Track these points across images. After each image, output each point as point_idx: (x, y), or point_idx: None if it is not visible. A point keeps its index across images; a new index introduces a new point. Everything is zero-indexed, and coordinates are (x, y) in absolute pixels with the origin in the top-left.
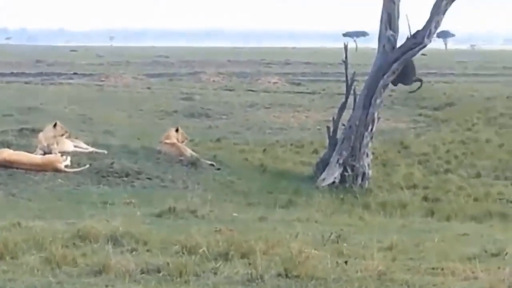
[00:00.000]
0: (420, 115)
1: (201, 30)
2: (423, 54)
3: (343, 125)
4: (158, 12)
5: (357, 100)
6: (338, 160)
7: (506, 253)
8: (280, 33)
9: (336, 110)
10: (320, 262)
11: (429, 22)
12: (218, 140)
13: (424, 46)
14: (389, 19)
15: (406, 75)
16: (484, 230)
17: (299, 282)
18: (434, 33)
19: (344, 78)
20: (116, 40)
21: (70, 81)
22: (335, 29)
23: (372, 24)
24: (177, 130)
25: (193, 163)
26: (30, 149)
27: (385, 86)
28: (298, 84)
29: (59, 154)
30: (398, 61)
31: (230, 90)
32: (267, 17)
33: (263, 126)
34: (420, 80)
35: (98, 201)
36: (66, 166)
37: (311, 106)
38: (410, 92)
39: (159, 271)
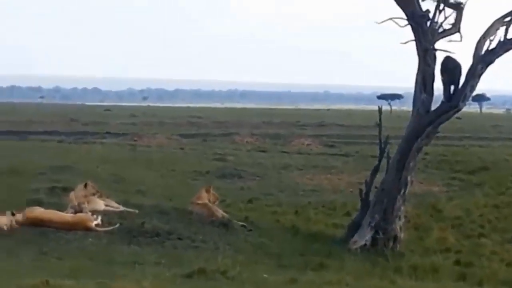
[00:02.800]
0: (453, 178)
1: (235, 90)
2: (457, 118)
3: (376, 187)
4: (192, 72)
5: (390, 163)
6: (370, 223)
7: None
8: (316, 95)
9: (369, 173)
10: None
11: (464, 85)
12: (250, 201)
13: (459, 110)
14: (424, 82)
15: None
16: None
17: None
18: (469, 96)
19: (377, 141)
20: (149, 100)
21: (103, 140)
22: (370, 91)
23: (408, 86)
24: (208, 191)
25: (224, 224)
26: (61, 207)
27: (418, 150)
28: (332, 146)
29: (90, 213)
30: (432, 125)
31: (263, 151)
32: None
33: (295, 188)
34: None
35: (129, 260)
36: (97, 225)
37: (344, 168)
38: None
39: None
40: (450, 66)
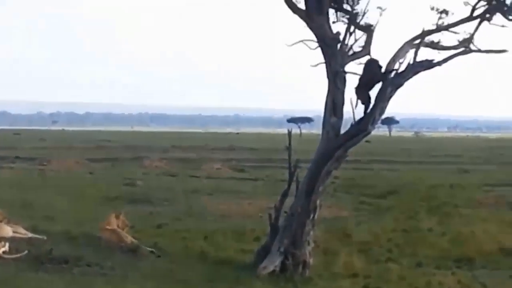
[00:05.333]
0: (362, 202)
1: (145, 114)
2: (367, 141)
3: (285, 212)
4: (102, 96)
5: (299, 187)
6: (279, 248)
7: None
8: (226, 118)
9: (278, 197)
10: None
11: (373, 109)
12: (159, 226)
13: (368, 133)
14: (334, 105)
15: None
16: None
17: None
18: (378, 120)
19: (287, 165)
20: (59, 123)
21: (12, 165)
22: (280, 115)
23: (318, 109)
24: (117, 217)
25: (133, 250)
26: None
27: (328, 173)
28: (241, 170)
29: None
30: (342, 148)
31: (173, 175)
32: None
33: (205, 213)
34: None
35: None
36: (4, 253)
37: (253, 192)
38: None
39: None
40: (372, 68)
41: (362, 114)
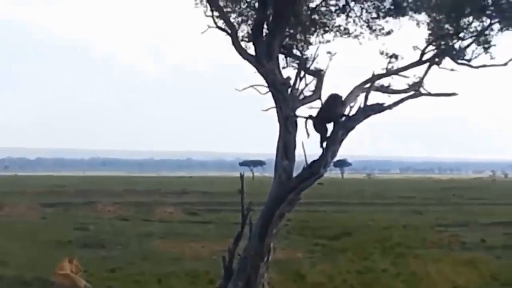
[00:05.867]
0: (316, 244)
1: (97, 158)
2: (319, 184)
3: (239, 255)
4: (53, 141)
5: (252, 230)
6: None
7: None
8: (178, 162)
9: (232, 240)
10: None
11: (325, 152)
12: (113, 270)
13: (321, 176)
14: (286, 148)
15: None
16: None
17: None
18: (330, 163)
19: (240, 208)
20: (11, 169)
21: None
22: (232, 158)
23: (270, 152)
24: (71, 261)
25: None
26: None
27: (281, 216)
28: (194, 214)
29: None
30: (294, 191)
31: (126, 219)
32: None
33: (158, 256)
34: None
35: None
36: None
37: (207, 235)
38: None
39: None
40: (334, 103)
41: (315, 157)
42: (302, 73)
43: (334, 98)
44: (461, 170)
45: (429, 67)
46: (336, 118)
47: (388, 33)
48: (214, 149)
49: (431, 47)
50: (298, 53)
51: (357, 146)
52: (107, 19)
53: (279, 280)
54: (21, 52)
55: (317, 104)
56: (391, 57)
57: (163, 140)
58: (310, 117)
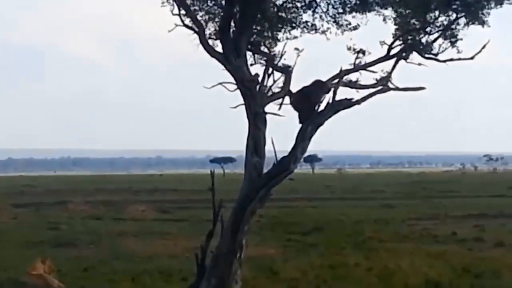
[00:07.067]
0: (288, 240)
1: (67, 158)
2: (290, 179)
3: (212, 252)
4: (23, 141)
5: (224, 227)
6: None
7: None
8: (149, 160)
9: (204, 237)
10: None
11: (294, 148)
12: (86, 269)
13: (291, 172)
14: (255, 145)
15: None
16: None
17: None
18: (300, 159)
19: (211, 205)
20: None
21: None
22: (203, 155)
23: (240, 149)
24: (43, 261)
25: None
26: None
27: (252, 213)
28: (166, 212)
29: None
30: (265, 188)
31: (98, 218)
32: (134, 142)
33: (131, 255)
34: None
35: None
36: None
37: (179, 233)
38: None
39: None
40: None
41: (284, 154)
42: (270, 69)
43: (319, 84)
44: (431, 164)
45: (396, 62)
46: (316, 103)
47: (355, 28)
48: (185, 146)
49: (398, 42)
50: (266, 50)
51: (327, 141)
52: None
53: (252, 276)
54: None
55: (286, 100)
56: (358, 52)
57: (133, 139)
58: (289, 91)
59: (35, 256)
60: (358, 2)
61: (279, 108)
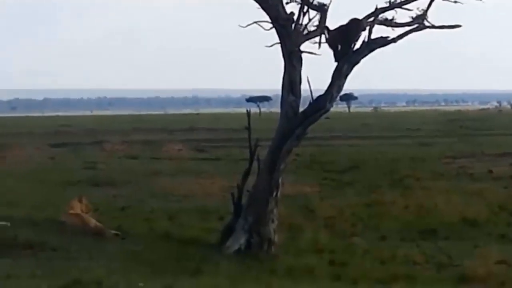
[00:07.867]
0: (325, 178)
1: (104, 98)
2: (326, 118)
3: (248, 191)
4: (59, 81)
5: (260, 165)
6: (243, 227)
7: None
8: (184, 100)
9: (240, 176)
10: None
11: (330, 87)
12: (123, 209)
13: (327, 111)
14: (291, 84)
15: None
16: None
17: None
18: (336, 97)
19: (247, 144)
20: (18, 110)
21: None
22: (239, 94)
23: (276, 88)
24: (80, 201)
25: (98, 233)
26: None
27: (288, 151)
28: (202, 151)
29: None
30: (301, 126)
31: (134, 158)
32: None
33: (168, 194)
34: None
35: (3, 274)
36: None
37: (215, 172)
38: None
39: None
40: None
41: (320, 92)
42: (306, 8)
43: (356, 22)
44: (468, 102)
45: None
46: (352, 41)
47: None
48: (220, 85)
49: None
50: None
51: (362, 79)
52: None
53: (289, 214)
54: None
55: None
56: None
57: (169, 78)
58: (326, 29)
59: (73, 196)
60: None
61: (319, 47)
